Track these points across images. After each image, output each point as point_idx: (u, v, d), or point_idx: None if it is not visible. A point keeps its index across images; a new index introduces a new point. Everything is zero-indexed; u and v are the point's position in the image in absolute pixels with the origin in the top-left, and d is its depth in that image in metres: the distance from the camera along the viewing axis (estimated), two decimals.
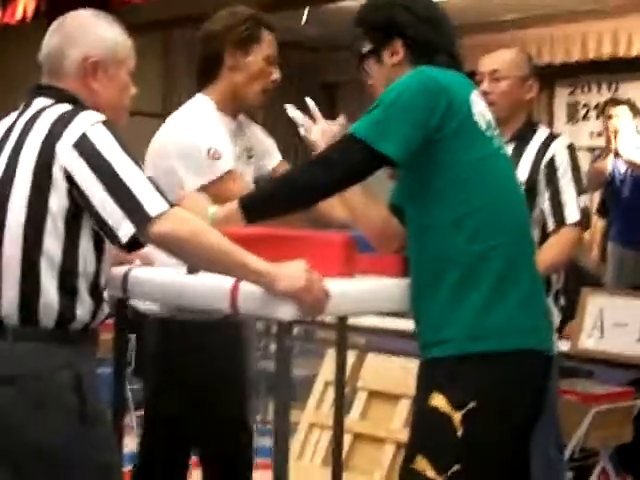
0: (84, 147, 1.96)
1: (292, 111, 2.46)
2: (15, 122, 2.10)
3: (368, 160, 2.07)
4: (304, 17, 7.54)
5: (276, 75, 2.77)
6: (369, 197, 2.27)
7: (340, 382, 2.76)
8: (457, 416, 2.05)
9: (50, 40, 2.15)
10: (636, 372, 3.86)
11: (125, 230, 1.93)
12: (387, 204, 2.31)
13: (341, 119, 2.44)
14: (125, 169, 1.95)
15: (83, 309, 2.02)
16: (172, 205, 1.96)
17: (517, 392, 2.11)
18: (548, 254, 2.94)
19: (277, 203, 2.13)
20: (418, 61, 2.20)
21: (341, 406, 2.78)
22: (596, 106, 8.21)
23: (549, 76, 8.01)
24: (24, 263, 1.98)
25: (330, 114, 2.65)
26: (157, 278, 2.24)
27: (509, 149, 3.03)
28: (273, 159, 2.91)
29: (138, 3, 6.96)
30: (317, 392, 4.26)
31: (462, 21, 7.74)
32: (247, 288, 1.98)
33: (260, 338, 4.98)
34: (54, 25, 2.18)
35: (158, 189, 1.97)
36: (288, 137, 9.84)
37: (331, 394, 4.04)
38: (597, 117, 8.23)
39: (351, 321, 3.06)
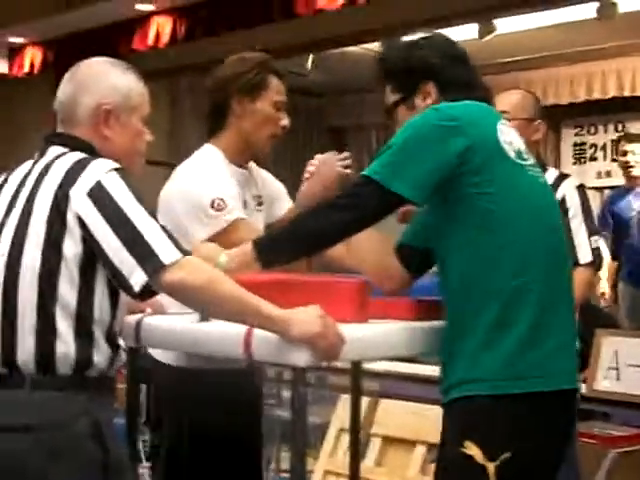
0: (98, 195, 1.96)
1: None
2: (30, 170, 2.10)
3: (382, 201, 2.05)
4: (309, 62, 7.60)
5: (285, 121, 2.76)
6: (370, 236, 2.24)
7: (355, 428, 2.73)
8: (492, 467, 1.98)
9: (64, 88, 2.17)
10: None
11: (137, 278, 1.92)
12: (395, 245, 2.29)
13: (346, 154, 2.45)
14: (138, 217, 1.95)
15: (100, 355, 2.01)
16: (185, 253, 1.95)
17: (550, 436, 2.05)
18: None
19: (292, 247, 2.11)
20: (451, 99, 2.17)
21: (357, 453, 2.75)
22: (603, 146, 8.23)
23: (555, 117, 8.04)
24: (39, 310, 1.97)
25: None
26: (170, 326, 2.22)
27: None
28: (284, 205, 2.90)
29: (145, 51, 7.03)
30: (331, 439, 4.21)
31: None
32: (261, 334, 1.96)
33: (272, 385, 4.95)
34: (68, 73, 2.19)
35: (171, 237, 1.97)
36: (293, 179, 9.92)
37: (345, 441, 4.00)
38: (605, 157, 8.25)
39: (364, 366, 3.03)
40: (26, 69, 7.85)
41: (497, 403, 2.00)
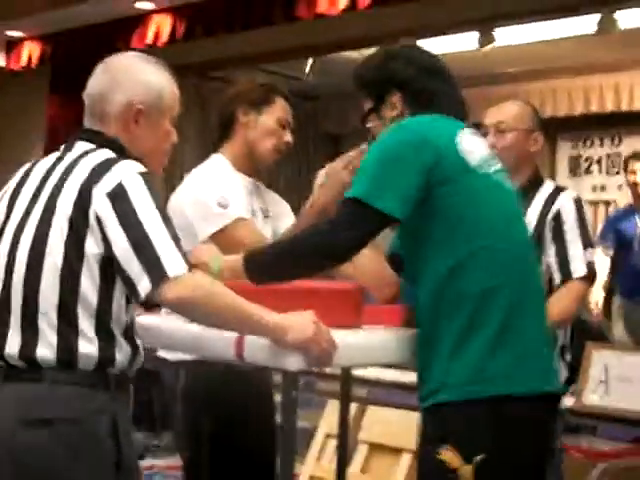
0: (117, 196, 1.95)
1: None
2: (55, 164, 2.08)
3: (369, 220, 2.06)
4: (308, 67, 7.59)
5: (288, 137, 2.88)
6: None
7: (343, 435, 2.72)
8: (468, 470, 2.01)
9: (96, 81, 2.14)
10: None
11: (143, 285, 1.91)
12: (386, 254, 2.30)
13: (364, 146, 2.45)
14: (151, 223, 1.94)
15: (121, 354, 2.01)
16: (191, 267, 1.94)
17: (525, 438, 2.06)
18: (554, 308, 2.91)
19: (281, 270, 2.12)
20: (416, 111, 2.22)
21: (344, 459, 2.74)
22: (598, 160, 8.24)
23: (552, 129, 8.05)
24: (61, 307, 1.96)
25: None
26: (163, 326, 2.22)
27: None
28: (288, 222, 2.94)
29: (143, 50, 7.02)
30: (318, 444, 4.22)
31: (466, 73, 7.82)
32: (253, 338, 1.96)
33: None
34: (101, 66, 2.16)
35: (180, 249, 1.95)
36: (288, 184, 9.94)
37: (332, 446, 4.00)
38: (600, 171, 8.26)
39: (353, 373, 3.02)
40: (23, 63, 7.83)
41: (469, 407, 2.03)
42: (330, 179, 2.59)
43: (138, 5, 6.80)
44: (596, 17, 5.87)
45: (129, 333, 2.04)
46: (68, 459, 1.92)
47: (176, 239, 1.96)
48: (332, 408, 4.01)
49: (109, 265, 1.96)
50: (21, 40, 7.82)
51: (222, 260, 2.16)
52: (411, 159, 2.07)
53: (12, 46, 7.92)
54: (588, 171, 8.34)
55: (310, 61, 7.59)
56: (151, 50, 6.92)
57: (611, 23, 5.86)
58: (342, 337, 1.98)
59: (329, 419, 4.14)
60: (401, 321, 2.26)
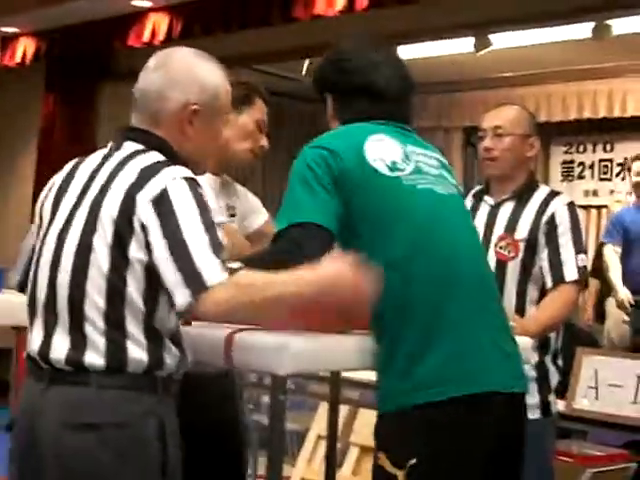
0: (160, 203, 1.90)
1: None
2: (102, 164, 2.03)
3: (310, 237, 2.04)
4: (305, 68, 7.59)
5: (264, 142, 2.81)
6: None
7: (332, 438, 2.72)
8: (401, 475, 2.03)
9: (150, 77, 2.07)
10: (630, 434, 3.83)
11: (180, 296, 1.86)
12: None
13: None
14: (193, 232, 1.88)
15: (170, 357, 1.97)
16: (231, 272, 1.88)
17: (457, 441, 2.05)
18: (545, 312, 2.93)
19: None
20: (340, 112, 2.27)
21: (333, 461, 2.74)
22: (591, 165, 8.27)
23: (545, 134, 8.07)
24: (108, 311, 1.91)
25: None
26: None
27: (509, 206, 3.03)
28: (259, 218, 2.92)
29: (139, 48, 7.01)
30: (309, 446, 4.21)
31: (461, 77, 7.85)
32: (242, 341, 1.95)
33: (252, 390, 4.93)
34: (157, 61, 2.09)
35: (219, 257, 1.88)
36: (284, 185, 9.91)
37: (323, 448, 3.99)
38: (592, 176, 8.29)
39: (344, 375, 3.02)
40: (18, 59, 7.81)
41: (400, 416, 2.06)
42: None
43: (135, 3, 6.79)
44: (590, 24, 5.89)
45: (176, 337, 1.99)
46: (115, 463, 1.89)
47: (216, 246, 1.90)
48: (324, 410, 4.01)
49: (154, 271, 1.91)
50: (16, 36, 7.80)
51: None
52: (323, 174, 2.09)
53: (7, 42, 7.90)
54: (581, 176, 8.36)
55: (307, 62, 7.59)
56: (147, 49, 6.92)
57: (605, 30, 5.89)
58: (332, 341, 1.99)
59: (321, 421, 4.14)
60: None
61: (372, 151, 2.13)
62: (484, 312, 2.15)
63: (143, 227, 1.90)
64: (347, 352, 2.09)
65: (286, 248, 2.05)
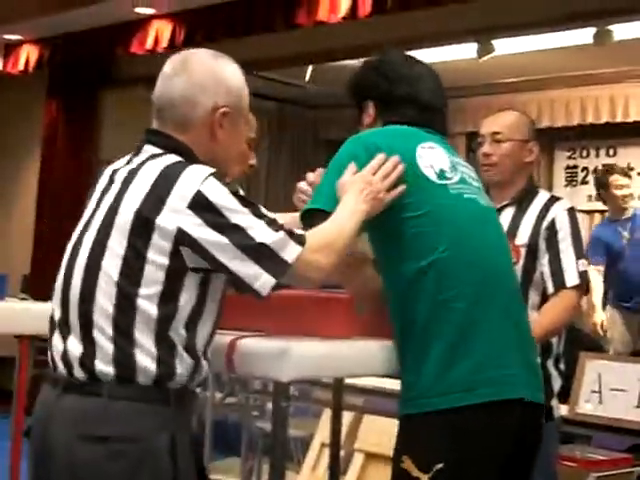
0: (201, 207, 1.88)
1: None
2: (123, 169, 2.02)
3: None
4: (308, 74, 7.60)
5: (253, 161, 2.80)
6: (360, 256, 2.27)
7: (336, 445, 2.72)
8: (426, 478, 2.04)
9: (173, 84, 2.03)
10: (634, 438, 3.82)
11: (264, 283, 1.89)
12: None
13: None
14: (248, 223, 1.89)
15: (182, 367, 1.93)
16: (300, 240, 1.94)
17: (484, 446, 2.08)
18: (546, 317, 2.93)
19: None
20: (386, 119, 2.29)
21: (337, 470, 2.74)
22: (594, 170, 8.27)
23: (549, 139, 8.07)
24: (117, 318, 1.89)
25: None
26: None
27: (509, 212, 3.03)
28: None
29: (142, 55, 7.02)
30: (313, 453, 4.21)
31: (465, 82, 7.86)
32: (244, 348, 1.96)
33: (256, 397, 4.93)
34: (174, 67, 2.05)
35: (285, 231, 1.92)
36: (287, 191, 9.93)
37: (327, 455, 3.99)
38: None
39: (348, 382, 3.02)
40: (21, 67, 7.83)
41: (427, 420, 2.07)
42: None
43: (138, 10, 6.81)
44: (592, 29, 5.90)
45: (193, 345, 1.94)
46: (124, 477, 1.87)
47: (274, 225, 1.92)
48: (328, 417, 4.01)
49: (175, 277, 1.89)
50: (19, 43, 7.82)
51: None
52: (361, 164, 2.14)
53: (10, 49, 7.92)
54: (584, 181, 8.36)
55: (310, 68, 7.60)
56: (150, 56, 6.93)
57: (606, 35, 5.90)
58: (333, 347, 2.00)
59: (325, 428, 4.14)
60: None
61: (424, 157, 2.18)
62: (513, 323, 2.19)
63: (182, 232, 1.87)
64: (350, 358, 2.09)
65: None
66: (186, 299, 1.91)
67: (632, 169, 7.99)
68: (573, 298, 2.96)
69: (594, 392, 3.75)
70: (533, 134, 3.14)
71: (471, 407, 2.05)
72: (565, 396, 3.57)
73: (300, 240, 1.93)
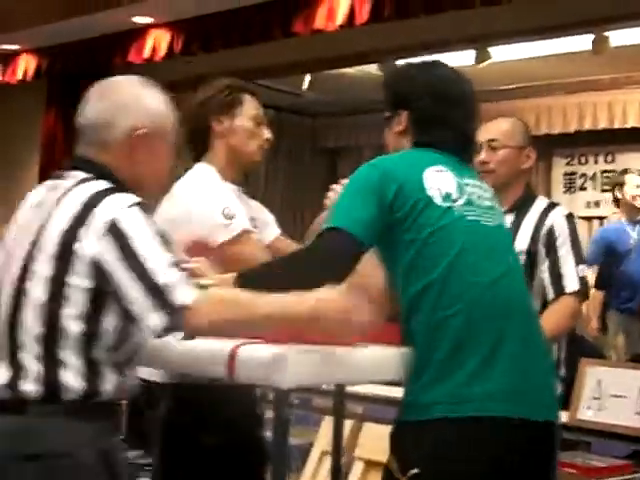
0: (115, 233, 1.92)
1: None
2: (47, 195, 2.06)
3: (344, 244, 2.12)
4: (306, 82, 7.61)
5: (268, 134, 2.85)
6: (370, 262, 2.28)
7: (337, 452, 2.71)
8: None
9: (94, 107, 2.09)
10: (635, 444, 3.82)
11: (154, 321, 1.90)
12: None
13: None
14: (154, 258, 1.91)
15: (107, 384, 1.98)
16: (202, 287, 1.94)
17: (465, 460, 2.09)
18: (546, 324, 2.92)
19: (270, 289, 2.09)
20: (416, 133, 2.32)
21: (338, 477, 2.73)
22: (593, 176, 8.28)
23: (547, 146, 8.08)
24: (44, 339, 1.94)
25: (329, 179, 2.68)
26: (153, 343, 2.19)
27: (508, 219, 3.03)
28: (271, 233, 2.94)
29: (140, 64, 7.03)
30: (313, 461, 4.20)
31: None
32: (245, 355, 1.96)
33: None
34: (97, 92, 2.12)
35: (184, 276, 1.93)
36: (285, 198, 9.95)
37: (328, 463, 3.98)
38: (594, 187, 8.29)
39: (348, 389, 3.02)
40: (19, 76, 7.84)
41: (412, 427, 2.14)
42: None
43: (136, 19, 6.82)
44: (590, 36, 5.91)
45: (118, 363, 2.00)
46: None
47: (178, 265, 1.94)
48: (328, 425, 3.99)
49: (98, 299, 1.94)
50: (17, 53, 7.83)
51: (214, 278, 2.16)
52: (374, 194, 2.17)
53: (8, 59, 7.92)
54: (582, 187, 8.37)
55: (308, 77, 7.61)
56: (148, 65, 6.94)
57: (604, 42, 5.91)
58: (337, 354, 1.99)
59: (325, 436, 4.12)
60: (398, 338, 2.28)
61: (430, 180, 2.21)
62: (515, 339, 2.19)
63: (95, 261, 1.92)
64: (351, 366, 2.10)
65: (310, 257, 2.15)
66: (109, 320, 1.96)
67: None
68: (573, 304, 2.97)
69: (595, 398, 3.74)
70: (529, 140, 3.15)
71: (457, 420, 2.09)
72: (565, 402, 3.56)
73: (199, 287, 1.94)
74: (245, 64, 6.71)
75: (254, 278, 2.16)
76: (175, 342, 2.11)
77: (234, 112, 2.78)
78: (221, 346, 1.99)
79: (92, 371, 1.95)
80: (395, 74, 2.44)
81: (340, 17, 5.76)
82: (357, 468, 4.03)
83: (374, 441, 4.02)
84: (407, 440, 2.15)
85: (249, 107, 2.81)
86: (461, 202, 2.23)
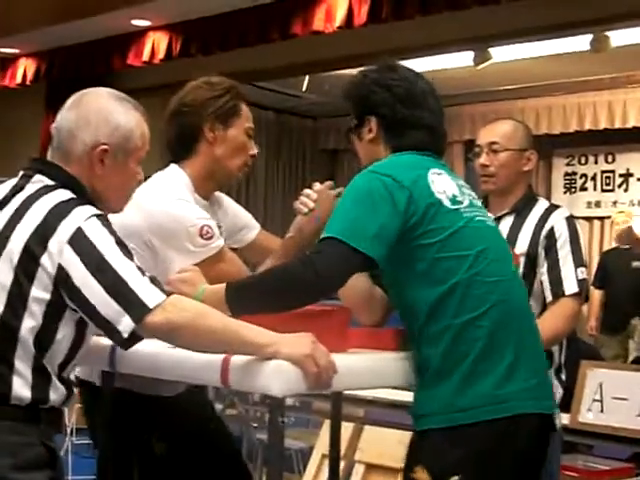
0: (79, 243, 1.95)
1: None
2: (12, 197, 2.07)
3: (349, 260, 2.08)
4: (305, 84, 7.60)
5: (255, 150, 2.70)
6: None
7: (335, 457, 2.70)
8: None
9: (65, 116, 2.13)
10: (636, 447, 3.80)
11: (125, 325, 1.93)
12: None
13: (341, 189, 2.44)
14: (119, 264, 1.95)
15: (56, 394, 2.03)
16: (168, 294, 1.97)
17: (498, 460, 2.11)
18: (545, 326, 2.90)
19: (263, 304, 2.09)
20: (390, 138, 2.28)
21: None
22: (593, 177, 8.27)
23: (547, 146, 8.07)
24: (1, 345, 1.97)
25: (329, 180, 2.66)
26: (146, 351, 2.17)
27: (509, 221, 3.02)
28: (253, 230, 2.87)
29: (139, 67, 7.03)
30: (314, 464, 4.19)
31: (462, 90, 7.86)
32: (238, 362, 1.95)
33: (256, 409, 4.92)
34: (72, 101, 2.14)
35: (153, 280, 1.97)
36: (286, 201, 9.95)
37: (328, 466, 3.97)
38: (595, 188, 8.28)
39: (348, 392, 3.01)
40: (18, 80, 7.84)
41: (446, 434, 2.09)
42: (321, 205, 2.51)
43: (135, 22, 6.82)
44: (589, 36, 5.90)
45: (67, 376, 2.06)
46: None
47: (142, 270, 1.98)
48: (328, 428, 3.98)
49: (55, 311, 1.97)
50: (16, 57, 7.84)
51: (205, 290, 2.14)
52: (385, 203, 2.10)
53: (7, 63, 7.94)
54: (583, 187, 8.35)
55: (307, 78, 7.61)
56: (147, 67, 6.94)
57: (604, 41, 5.89)
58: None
59: (325, 439, 4.11)
60: (392, 345, 2.26)
61: (436, 183, 2.18)
62: (528, 336, 2.22)
63: (60, 270, 1.94)
64: (344, 371, 2.07)
65: (301, 267, 2.07)
66: (64, 334, 2.00)
67: (631, 175, 7.99)
68: (573, 306, 2.95)
69: (596, 401, 3.72)
70: (530, 142, 3.13)
71: (490, 422, 2.08)
72: (566, 405, 3.55)
73: (165, 292, 1.97)
74: (244, 66, 6.70)
75: (245, 294, 2.13)
76: (167, 349, 2.10)
77: (231, 121, 2.63)
78: (215, 355, 1.98)
79: (43, 383, 1.99)
80: (354, 82, 2.35)
81: (338, 19, 5.76)
82: (358, 471, 4.01)
83: (375, 444, 4.01)
84: (440, 447, 2.09)
85: (245, 118, 2.66)
86: (466, 204, 2.21)
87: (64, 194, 2.04)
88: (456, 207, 2.18)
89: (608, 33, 5.84)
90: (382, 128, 2.28)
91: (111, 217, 2.09)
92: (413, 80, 2.31)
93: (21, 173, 2.13)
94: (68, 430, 5.27)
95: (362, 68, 2.39)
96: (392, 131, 2.27)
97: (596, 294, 6.35)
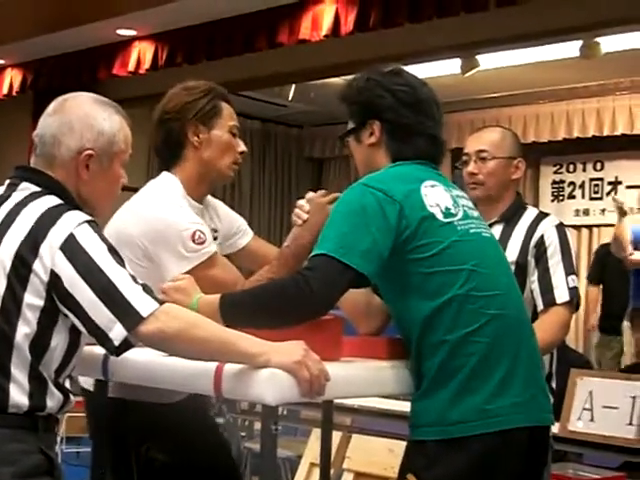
0: (71, 249, 1.95)
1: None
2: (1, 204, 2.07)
3: (341, 277, 2.06)
4: (291, 93, 7.60)
5: (242, 147, 2.70)
6: None
7: (325, 466, 2.68)
8: None
9: (47, 122, 2.12)
10: (626, 455, 3.80)
11: (117, 333, 1.93)
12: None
13: (333, 195, 2.43)
14: (112, 271, 1.96)
15: (52, 401, 2.03)
16: (161, 302, 1.97)
17: (489, 474, 2.10)
18: (538, 335, 2.89)
19: (256, 319, 2.08)
20: (392, 144, 2.25)
21: None
22: (581, 184, 8.28)
23: (535, 154, 8.08)
24: None
25: (316, 189, 2.63)
26: (139, 359, 2.17)
27: (498, 229, 3.01)
28: (246, 236, 2.87)
29: (125, 77, 7.01)
30: (302, 473, 4.18)
31: (449, 98, 7.85)
32: (231, 371, 1.94)
33: (244, 417, 4.90)
34: (54, 107, 2.14)
35: (145, 288, 1.97)
36: (271, 209, 9.95)
37: (316, 475, 3.95)
38: (583, 195, 8.29)
39: (337, 401, 2.99)
40: (5, 90, 7.82)
41: (440, 446, 2.09)
42: (314, 215, 2.48)
43: (120, 32, 6.80)
44: (578, 42, 5.91)
45: (62, 382, 2.06)
46: None
47: (135, 278, 1.98)
48: (316, 437, 3.97)
49: (49, 317, 1.98)
50: (3, 68, 7.83)
51: (199, 299, 2.13)
52: (376, 218, 2.09)
53: None
54: (571, 195, 8.37)
55: (293, 87, 7.60)
56: (133, 77, 6.92)
57: (594, 48, 5.90)
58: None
59: (313, 448, 4.10)
60: (384, 353, 2.25)
61: (429, 196, 2.17)
62: (526, 347, 2.22)
63: (53, 276, 1.95)
64: (338, 380, 2.06)
65: (294, 286, 2.05)
66: (58, 340, 2.01)
67: (620, 183, 8.01)
68: (564, 315, 2.94)
69: (586, 409, 3.72)
70: (519, 150, 3.12)
71: (479, 436, 2.08)
72: (556, 414, 3.54)
73: (158, 300, 1.98)
74: (230, 75, 6.67)
75: (239, 309, 2.11)
76: (161, 358, 2.10)
77: (213, 122, 2.62)
78: (208, 363, 1.98)
79: (39, 390, 2.00)
80: (355, 85, 2.32)
81: (325, 27, 5.76)
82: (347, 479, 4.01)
83: (363, 453, 4.01)
84: (433, 458, 2.09)
85: (227, 117, 2.65)
86: (460, 215, 2.20)
87: (52, 200, 2.04)
88: (449, 220, 2.16)
89: (598, 39, 5.85)
90: (385, 133, 2.26)
91: (106, 225, 2.10)
92: (417, 86, 2.29)
93: (7, 182, 2.13)
94: (58, 439, 5.24)
95: (363, 72, 2.34)
96: (395, 136, 2.25)
97: (593, 291, 6.31)
